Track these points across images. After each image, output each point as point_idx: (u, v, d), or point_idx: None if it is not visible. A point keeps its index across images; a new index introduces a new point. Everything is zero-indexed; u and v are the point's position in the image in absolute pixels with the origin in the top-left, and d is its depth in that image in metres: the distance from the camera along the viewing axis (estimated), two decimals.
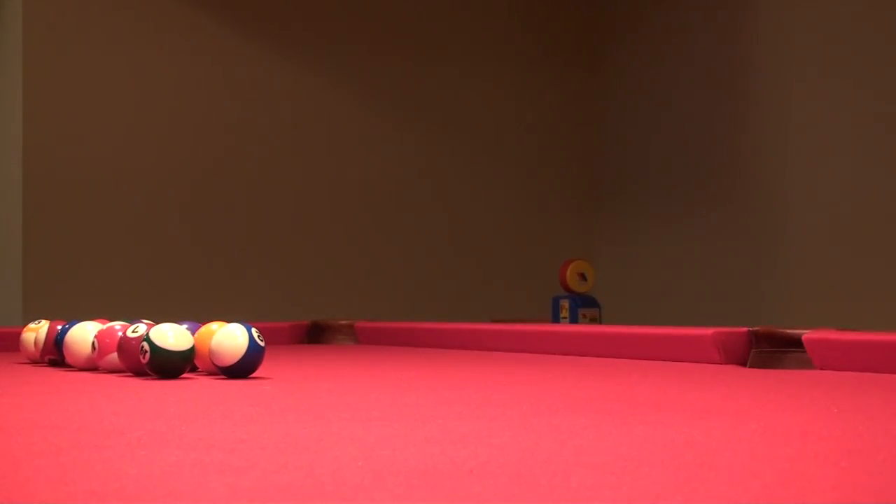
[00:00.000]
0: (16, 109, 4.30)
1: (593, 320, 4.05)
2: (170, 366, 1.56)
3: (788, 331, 1.80)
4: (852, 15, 4.32)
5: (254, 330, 1.59)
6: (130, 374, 1.65)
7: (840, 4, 4.39)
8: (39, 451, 0.88)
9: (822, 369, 1.71)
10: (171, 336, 1.56)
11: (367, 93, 4.95)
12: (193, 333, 1.62)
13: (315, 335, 2.87)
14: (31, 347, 2.00)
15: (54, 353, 1.90)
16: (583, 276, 4.43)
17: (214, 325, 1.63)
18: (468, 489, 0.70)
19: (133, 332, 1.63)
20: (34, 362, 2.01)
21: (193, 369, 1.66)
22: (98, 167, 4.36)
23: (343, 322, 2.88)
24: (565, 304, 4.10)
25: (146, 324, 1.65)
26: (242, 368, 1.58)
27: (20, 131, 4.25)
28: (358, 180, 4.91)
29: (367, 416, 1.17)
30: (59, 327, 1.90)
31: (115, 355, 1.67)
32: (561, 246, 5.15)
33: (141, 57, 4.49)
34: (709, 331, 1.95)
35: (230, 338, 1.58)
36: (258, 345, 1.58)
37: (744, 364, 1.83)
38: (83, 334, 1.80)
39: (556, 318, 4.10)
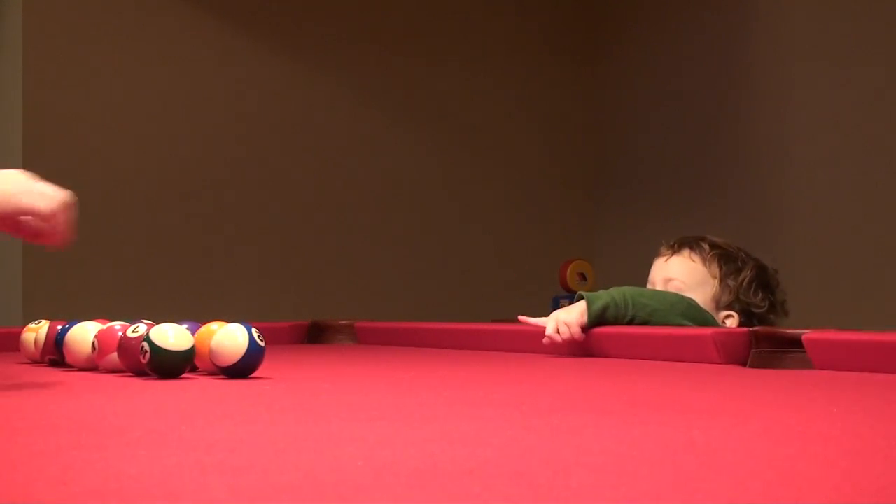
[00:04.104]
0: (16, 109, 4.30)
1: None
2: (170, 366, 1.56)
3: (788, 331, 1.80)
4: (854, 13, 4.32)
5: (254, 330, 1.59)
6: (130, 374, 1.65)
7: (840, 2, 4.39)
8: (39, 451, 0.88)
9: (822, 369, 1.71)
10: (171, 336, 1.56)
11: (366, 92, 4.95)
12: (193, 333, 1.61)
13: (315, 335, 2.87)
14: (31, 347, 2.00)
15: (54, 353, 1.89)
16: (583, 276, 4.43)
17: (214, 325, 1.64)
18: (468, 489, 0.70)
19: (133, 332, 1.62)
20: (34, 362, 2.01)
21: (193, 369, 1.66)
22: (98, 167, 4.35)
23: (343, 322, 2.88)
24: (565, 304, 4.09)
25: (146, 324, 1.65)
26: (242, 368, 1.58)
27: (20, 130, 4.25)
28: (357, 180, 4.91)
29: (367, 416, 1.17)
30: (59, 327, 1.90)
31: (115, 355, 1.66)
32: (561, 246, 5.15)
33: (140, 56, 4.49)
34: (709, 331, 1.95)
35: (230, 338, 1.58)
36: (258, 345, 1.58)
37: (744, 364, 1.83)
38: (83, 334, 1.80)
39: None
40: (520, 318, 2.27)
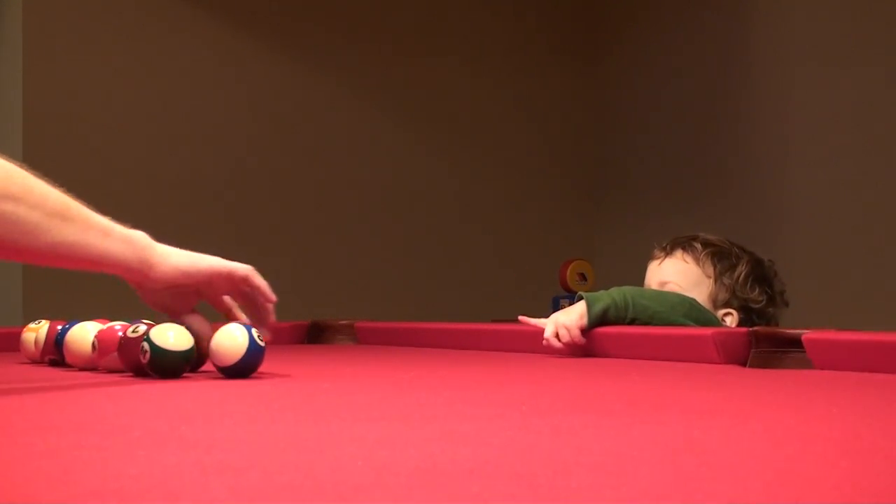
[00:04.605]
0: (16, 109, 4.30)
1: None
2: (170, 366, 1.56)
3: (788, 331, 1.80)
4: (854, 11, 4.32)
5: (254, 330, 1.59)
6: (130, 374, 1.65)
7: (841, 1, 4.39)
8: (39, 452, 0.87)
9: (822, 369, 1.71)
10: (171, 336, 1.56)
11: (366, 92, 4.95)
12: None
13: (315, 335, 2.87)
14: (31, 347, 2.00)
15: (54, 353, 1.89)
16: (583, 276, 4.43)
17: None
18: (468, 489, 0.70)
19: (133, 332, 1.62)
20: (34, 362, 2.01)
21: (194, 369, 1.66)
22: (98, 167, 4.35)
23: (343, 322, 2.88)
24: (565, 304, 4.09)
25: (146, 324, 1.65)
26: (242, 368, 1.58)
27: (20, 130, 4.25)
28: (357, 180, 4.91)
29: (367, 416, 1.17)
30: (59, 327, 1.90)
31: (115, 355, 1.66)
32: (561, 246, 5.15)
33: (142, 56, 4.49)
34: (709, 331, 1.95)
35: (230, 338, 1.58)
36: (258, 345, 1.58)
37: (744, 364, 1.83)
38: (83, 334, 1.80)
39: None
40: (520, 318, 2.26)
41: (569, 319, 2.13)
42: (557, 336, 2.13)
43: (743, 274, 2.37)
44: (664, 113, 5.08)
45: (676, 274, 2.38)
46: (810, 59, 4.45)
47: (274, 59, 4.73)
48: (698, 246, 2.41)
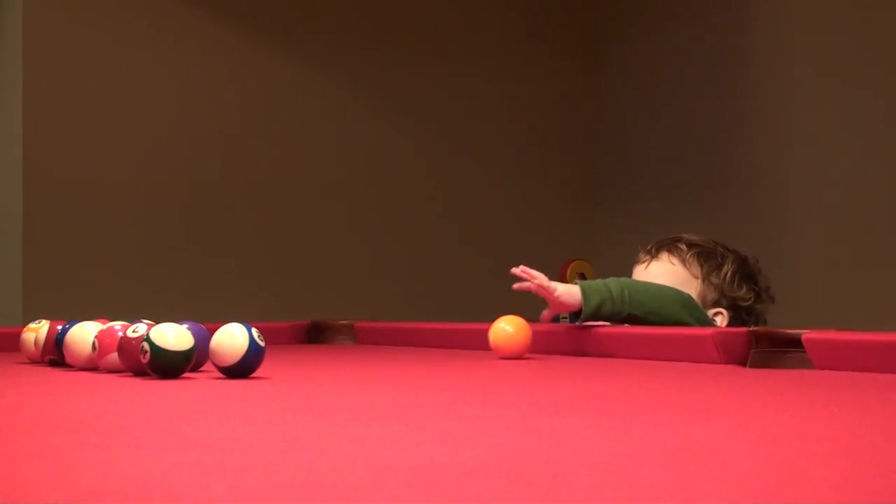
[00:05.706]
0: (16, 109, 4.29)
1: None
2: (170, 366, 1.56)
3: (788, 331, 1.80)
4: (853, 11, 4.32)
5: (254, 330, 1.59)
6: (130, 374, 1.65)
7: (841, 1, 4.39)
8: (39, 451, 0.88)
9: (822, 369, 1.71)
10: (171, 336, 1.56)
11: (366, 92, 4.95)
12: (194, 333, 1.61)
13: (315, 335, 2.87)
14: (31, 347, 2.00)
15: (54, 353, 1.89)
16: (583, 276, 4.43)
17: (502, 323, 1.78)
18: (468, 489, 0.70)
19: (133, 332, 1.62)
20: (34, 362, 2.01)
21: (195, 368, 1.65)
22: (98, 167, 4.35)
23: (343, 322, 2.88)
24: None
25: (146, 324, 1.65)
26: (242, 368, 1.58)
27: (20, 131, 4.25)
28: (357, 180, 4.91)
29: (367, 416, 1.17)
30: (59, 327, 1.90)
31: (115, 355, 1.66)
32: (561, 246, 5.15)
33: (141, 56, 4.49)
34: (709, 331, 1.95)
35: (230, 338, 1.58)
36: (258, 345, 1.58)
37: (744, 364, 1.83)
38: (83, 334, 1.80)
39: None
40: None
41: (557, 301, 2.17)
42: (542, 291, 2.18)
43: (730, 273, 2.37)
44: (664, 113, 5.08)
45: (663, 276, 2.38)
46: (810, 60, 4.45)
47: (277, 60, 4.73)
48: (683, 247, 2.40)
